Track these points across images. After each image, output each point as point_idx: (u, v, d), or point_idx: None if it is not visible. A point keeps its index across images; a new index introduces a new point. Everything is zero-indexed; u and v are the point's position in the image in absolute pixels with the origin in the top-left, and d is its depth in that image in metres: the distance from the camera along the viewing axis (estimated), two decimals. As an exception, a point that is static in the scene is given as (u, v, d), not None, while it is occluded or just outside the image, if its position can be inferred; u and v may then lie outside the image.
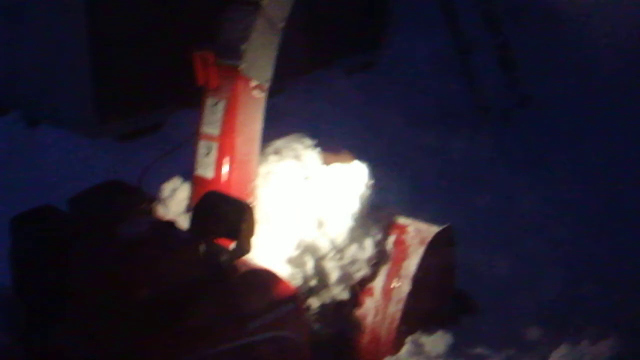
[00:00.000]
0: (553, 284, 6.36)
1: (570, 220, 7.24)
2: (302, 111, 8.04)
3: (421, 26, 10.58)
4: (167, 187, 5.23)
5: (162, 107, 9.04)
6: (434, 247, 5.30)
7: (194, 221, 4.71)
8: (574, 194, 7.68)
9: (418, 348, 5.27)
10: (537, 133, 9.12)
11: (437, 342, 5.31)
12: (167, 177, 5.32)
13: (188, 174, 5.22)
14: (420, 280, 5.26)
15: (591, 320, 5.78)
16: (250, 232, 4.62)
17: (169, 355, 4.25)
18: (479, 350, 5.35)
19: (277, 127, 5.39)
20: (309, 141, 5.41)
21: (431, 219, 5.48)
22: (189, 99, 8.23)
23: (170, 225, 4.69)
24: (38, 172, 7.87)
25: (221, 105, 5.03)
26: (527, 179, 7.94)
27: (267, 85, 5.09)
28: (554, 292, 6.28)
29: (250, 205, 4.69)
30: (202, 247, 4.51)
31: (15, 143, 8.63)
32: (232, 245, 4.69)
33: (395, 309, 5.24)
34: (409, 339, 5.28)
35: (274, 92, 5.19)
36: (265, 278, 4.78)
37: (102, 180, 4.90)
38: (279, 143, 5.38)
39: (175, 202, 5.19)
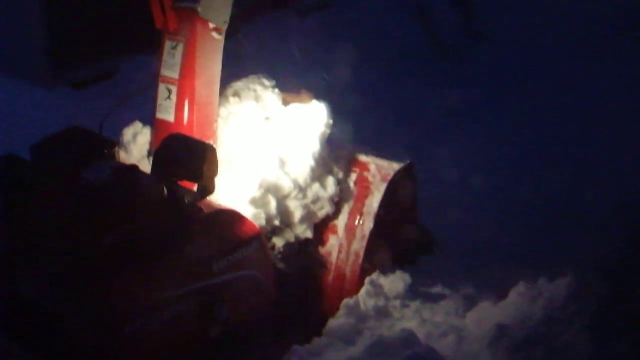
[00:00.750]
0: (510, 225, 6.44)
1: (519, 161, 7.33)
2: (258, 53, 8.03)
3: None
4: (128, 132, 5.26)
5: (115, 54, 8.98)
6: (396, 183, 5.40)
7: (156, 165, 4.76)
8: (520, 134, 7.75)
9: (377, 289, 5.35)
10: (489, 71, 9.17)
11: (395, 282, 5.40)
12: (127, 123, 5.34)
13: (148, 118, 5.24)
14: (382, 217, 5.36)
15: (548, 258, 5.86)
16: (212, 173, 4.68)
17: (136, 298, 4.31)
18: (437, 289, 5.45)
19: (234, 70, 5.43)
20: (267, 82, 5.45)
21: (391, 157, 5.56)
22: (142, 45, 8.25)
23: (133, 169, 4.75)
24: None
25: (180, 48, 5.05)
26: (474, 120, 7.98)
27: (224, 27, 5.11)
28: (511, 232, 6.36)
29: (212, 146, 4.76)
30: (165, 190, 4.58)
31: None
32: (195, 187, 4.77)
33: (359, 246, 5.35)
34: (367, 280, 5.36)
35: (228, 35, 5.21)
36: (228, 218, 4.87)
37: (60, 128, 4.92)
38: (238, 85, 5.42)
39: (136, 147, 5.23)
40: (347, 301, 5.27)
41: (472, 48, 9.71)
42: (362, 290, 5.33)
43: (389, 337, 4.84)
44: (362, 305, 5.25)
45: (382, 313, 5.23)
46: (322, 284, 5.43)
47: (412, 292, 5.40)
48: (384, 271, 5.47)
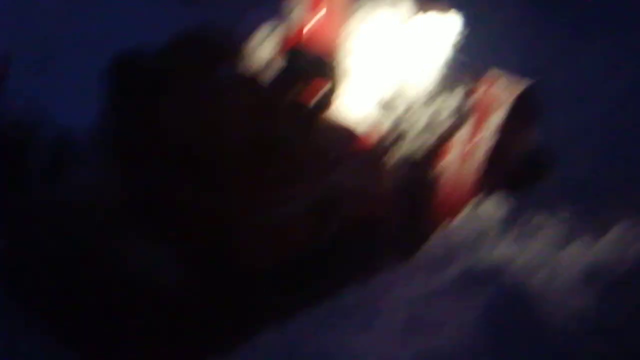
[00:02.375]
0: (631, 162, 6.36)
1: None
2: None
3: None
4: (258, 35, 5.49)
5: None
6: (519, 103, 5.51)
7: (284, 70, 5.00)
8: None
9: (475, 214, 5.51)
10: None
11: (495, 208, 5.53)
12: (256, 26, 5.56)
13: (278, 22, 5.45)
14: (503, 133, 5.51)
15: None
16: (342, 74, 4.93)
17: (256, 196, 4.61)
18: (537, 219, 5.50)
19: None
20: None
21: (517, 77, 5.65)
22: None
23: (260, 73, 4.99)
24: (96, 34, 8.02)
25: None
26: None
27: None
28: (629, 168, 6.28)
29: (344, 49, 4.95)
30: (295, 91, 4.82)
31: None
32: (319, 95, 5.01)
33: (478, 158, 5.55)
34: (469, 203, 5.54)
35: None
36: (348, 128, 5.10)
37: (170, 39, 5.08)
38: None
39: (265, 49, 5.46)
40: (446, 224, 5.44)
41: None
42: (462, 214, 5.50)
43: (482, 265, 4.95)
44: (460, 229, 5.42)
45: (479, 238, 5.36)
46: (438, 194, 5.60)
47: (510, 221, 5.51)
48: (493, 190, 5.67)
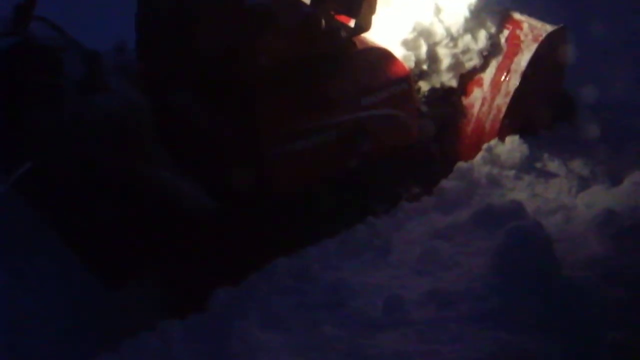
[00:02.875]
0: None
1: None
2: None
3: None
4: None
5: None
6: (546, 45, 5.52)
7: None
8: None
9: (493, 156, 5.54)
10: None
11: (513, 152, 5.56)
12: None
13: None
14: (529, 76, 5.52)
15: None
16: (370, 11, 4.89)
17: (287, 122, 4.64)
18: (554, 164, 5.55)
19: None
20: None
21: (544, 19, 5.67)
22: None
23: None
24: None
25: None
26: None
27: None
28: None
29: None
30: (324, 21, 4.82)
31: None
32: (351, 22, 5.04)
33: (502, 101, 5.54)
34: (485, 146, 5.56)
35: None
36: (381, 56, 5.11)
37: None
38: None
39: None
40: (461, 165, 5.47)
41: None
42: (478, 156, 5.53)
43: (497, 205, 4.95)
44: (475, 171, 5.43)
45: (494, 181, 5.39)
46: (461, 132, 5.68)
47: (528, 164, 5.55)
48: (514, 132, 5.68)
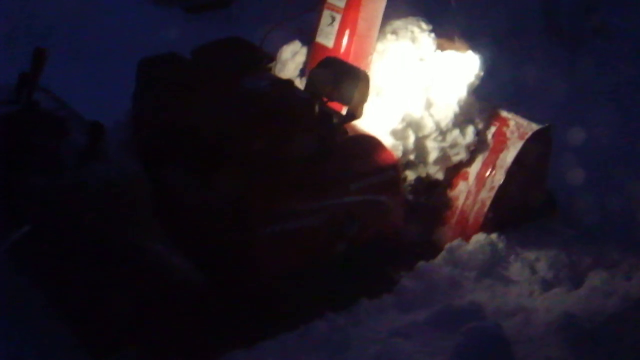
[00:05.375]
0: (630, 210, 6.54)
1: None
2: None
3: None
4: (287, 50, 5.95)
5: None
6: (532, 143, 5.87)
7: (311, 83, 5.36)
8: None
9: (455, 257, 5.75)
10: (610, 62, 9.45)
11: (476, 253, 5.78)
12: (286, 41, 6.04)
13: (307, 39, 5.91)
14: (514, 172, 5.86)
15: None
16: (362, 99, 5.23)
17: (276, 204, 4.91)
18: (516, 267, 5.75)
19: (395, 9, 6.07)
20: (425, 26, 6.08)
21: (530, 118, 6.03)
22: None
23: (290, 83, 5.36)
24: (106, 36, 8.48)
25: (350, -21, 5.72)
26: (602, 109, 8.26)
27: None
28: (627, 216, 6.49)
29: (366, 74, 5.32)
30: (318, 107, 5.17)
31: (83, 4, 9.23)
32: (344, 109, 5.42)
33: (487, 195, 5.87)
34: (446, 247, 5.80)
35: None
36: (371, 144, 5.43)
37: (170, 48, 5.47)
38: (397, 24, 6.02)
39: (293, 65, 5.91)
40: (422, 264, 5.64)
41: (590, 39, 10.10)
42: (439, 257, 5.73)
43: (456, 306, 5.10)
44: (436, 272, 5.61)
45: (455, 282, 5.54)
46: (445, 223, 5.98)
47: (490, 266, 5.72)
48: (493, 229, 5.98)
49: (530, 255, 5.86)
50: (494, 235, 5.87)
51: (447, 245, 5.76)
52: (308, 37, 5.80)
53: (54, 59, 4.72)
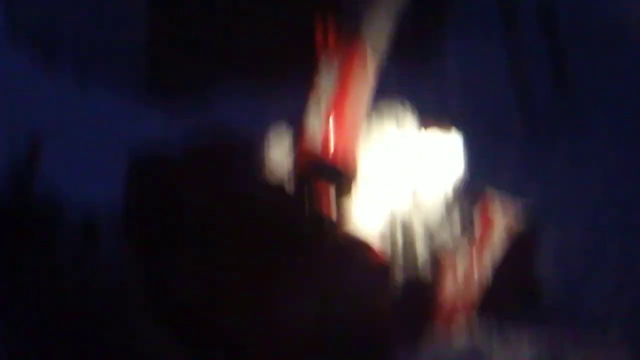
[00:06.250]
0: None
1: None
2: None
3: (478, 28, 11.46)
4: (274, 134, 6.18)
5: (209, 79, 9.96)
6: (518, 222, 6.11)
7: (299, 167, 5.64)
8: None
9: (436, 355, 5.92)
10: (585, 159, 9.87)
11: (472, 335, 5.99)
12: (273, 125, 6.24)
13: (296, 123, 6.10)
14: (500, 256, 6.09)
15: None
16: (352, 181, 5.58)
17: (266, 300, 5.14)
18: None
19: (380, 92, 6.31)
20: (410, 108, 6.37)
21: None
22: (237, 71, 9.25)
23: (280, 182, 5.63)
24: (85, 134, 8.69)
25: (336, 67, 5.96)
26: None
27: (381, 51, 6.07)
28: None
29: (355, 158, 5.59)
30: (307, 206, 5.42)
31: (62, 95, 9.46)
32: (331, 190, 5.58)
33: (475, 280, 6.06)
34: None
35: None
36: (361, 246, 5.66)
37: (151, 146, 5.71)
38: (382, 106, 6.34)
39: (280, 148, 6.14)
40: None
41: (567, 130, 10.48)
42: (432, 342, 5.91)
43: None
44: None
45: None
46: (435, 311, 6.11)
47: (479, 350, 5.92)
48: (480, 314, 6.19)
49: (516, 340, 6.00)
50: (480, 319, 6.01)
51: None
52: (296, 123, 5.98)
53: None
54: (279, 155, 6.06)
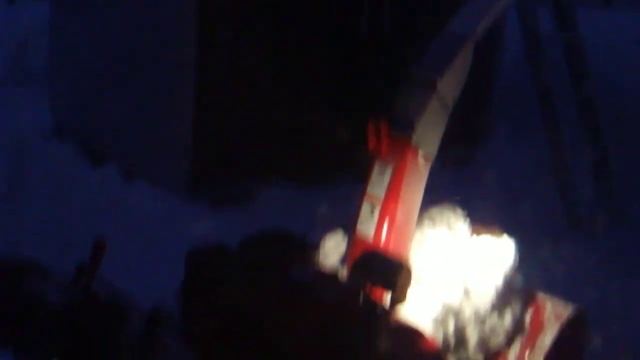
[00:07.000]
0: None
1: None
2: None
3: (518, 130, 11.78)
4: (330, 240, 6.37)
5: (255, 178, 10.23)
6: (568, 325, 6.16)
7: (354, 273, 5.78)
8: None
9: None
10: (629, 254, 10.04)
11: None
12: (327, 230, 6.46)
13: (348, 228, 6.33)
14: (552, 355, 6.19)
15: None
16: (405, 284, 5.60)
17: None
18: None
19: (431, 197, 6.54)
20: (460, 212, 6.56)
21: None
22: (279, 174, 9.56)
23: (334, 275, 5.79)
24: (130, 229, 8.95)
25: (388, 171, 6.15)
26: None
27: (432, 158, 6.28)
28: None
29: (407, 263, 5.74)
30: (362, 298, 5.51)
31: (108, 197, 9.78)
32: (386, 295, 5.78)
33: None
34: None
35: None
36: (413, 334, 5.69)
37: (196, 242, 5.80)
38: (433, 211, 6.53)
39: (335, 254, 6.33)
40: None
41: (610, 227, 10.68)
42: None
43: None
44: None
45: None
46: None
47: None
48: None
49: None
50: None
51: None
52: (348, 227, 6.16)
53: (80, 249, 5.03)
54: (332, 257, 6.24)
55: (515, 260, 6.24)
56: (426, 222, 6.29)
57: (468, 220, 6.36)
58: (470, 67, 6.28)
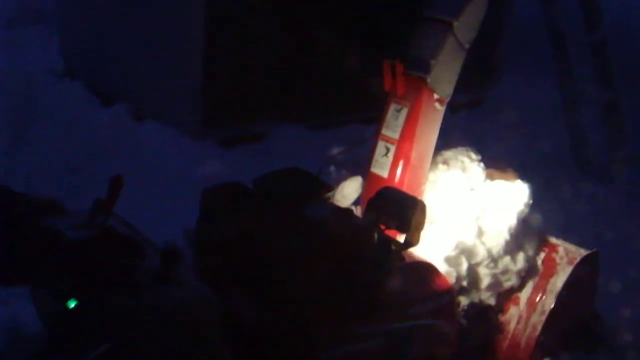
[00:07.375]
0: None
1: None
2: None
3: (531, 70, 11.73)
4: (343, 179, 6.41)
5: (264, 118, 10.20)
6: (580, 268, 6.20)
7: (368, 212, 5.68)
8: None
9: None
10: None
11: None
12: (342, 170, 6.48)
13: (363, 169, 6.33)
14: (564, 297, 6.17)
15: None
16: (419, 227, 5.55)
17: (334, 329, 5.18)
18: None
19: (446, 139, 6.55)
20: (474, 156, 6.53)
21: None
22: (291, 115, 9.55)
23: (350, 212, 5.76)
24: (140, 168, 8.95)
25: (404, 112, 6.13)
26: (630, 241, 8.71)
27: (447, 99, 6.28)
28: None
29: (423, 202, 5.63)
30: (376, 235, 5.54)
31: (119, 136, 9.76)
32: (400, 237, 5.77)
33: (538, 319, 6.17)
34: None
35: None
36: (427, 270, 5.77)
37: (206, 182, 5.79)
38: (448, 154, 6.48)
39: (349, 194, 6.36)
40: None
41: (619, 168, 10.68)
42: None
43: None
44: None
45: None
46: (497, 348, 6.26)
47: None
48: (545, 354, 6.39)
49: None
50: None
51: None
52: (362, 169, 6.18)
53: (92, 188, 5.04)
54: (347, 196, 6.28)
55: (528, 203, 6.24)
56: (440, 164, 6.29)
57: (482, 163, 6.35)
58: (486, 9, 6.25)
